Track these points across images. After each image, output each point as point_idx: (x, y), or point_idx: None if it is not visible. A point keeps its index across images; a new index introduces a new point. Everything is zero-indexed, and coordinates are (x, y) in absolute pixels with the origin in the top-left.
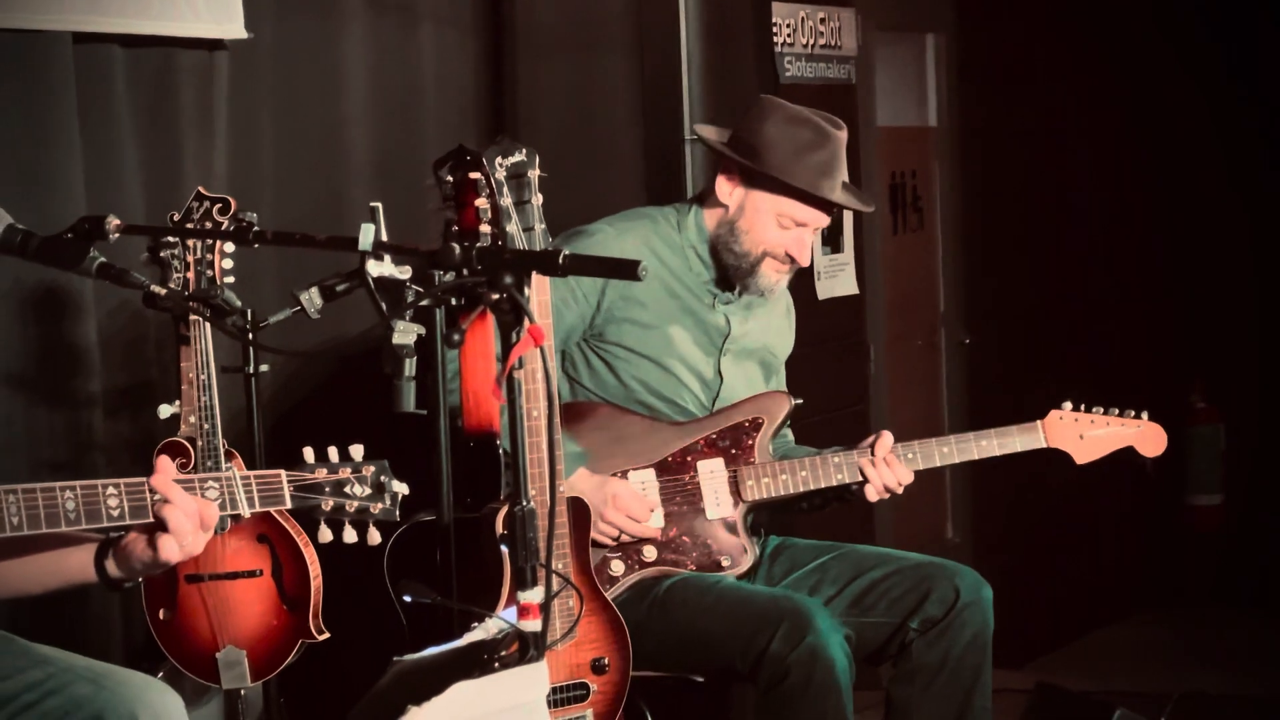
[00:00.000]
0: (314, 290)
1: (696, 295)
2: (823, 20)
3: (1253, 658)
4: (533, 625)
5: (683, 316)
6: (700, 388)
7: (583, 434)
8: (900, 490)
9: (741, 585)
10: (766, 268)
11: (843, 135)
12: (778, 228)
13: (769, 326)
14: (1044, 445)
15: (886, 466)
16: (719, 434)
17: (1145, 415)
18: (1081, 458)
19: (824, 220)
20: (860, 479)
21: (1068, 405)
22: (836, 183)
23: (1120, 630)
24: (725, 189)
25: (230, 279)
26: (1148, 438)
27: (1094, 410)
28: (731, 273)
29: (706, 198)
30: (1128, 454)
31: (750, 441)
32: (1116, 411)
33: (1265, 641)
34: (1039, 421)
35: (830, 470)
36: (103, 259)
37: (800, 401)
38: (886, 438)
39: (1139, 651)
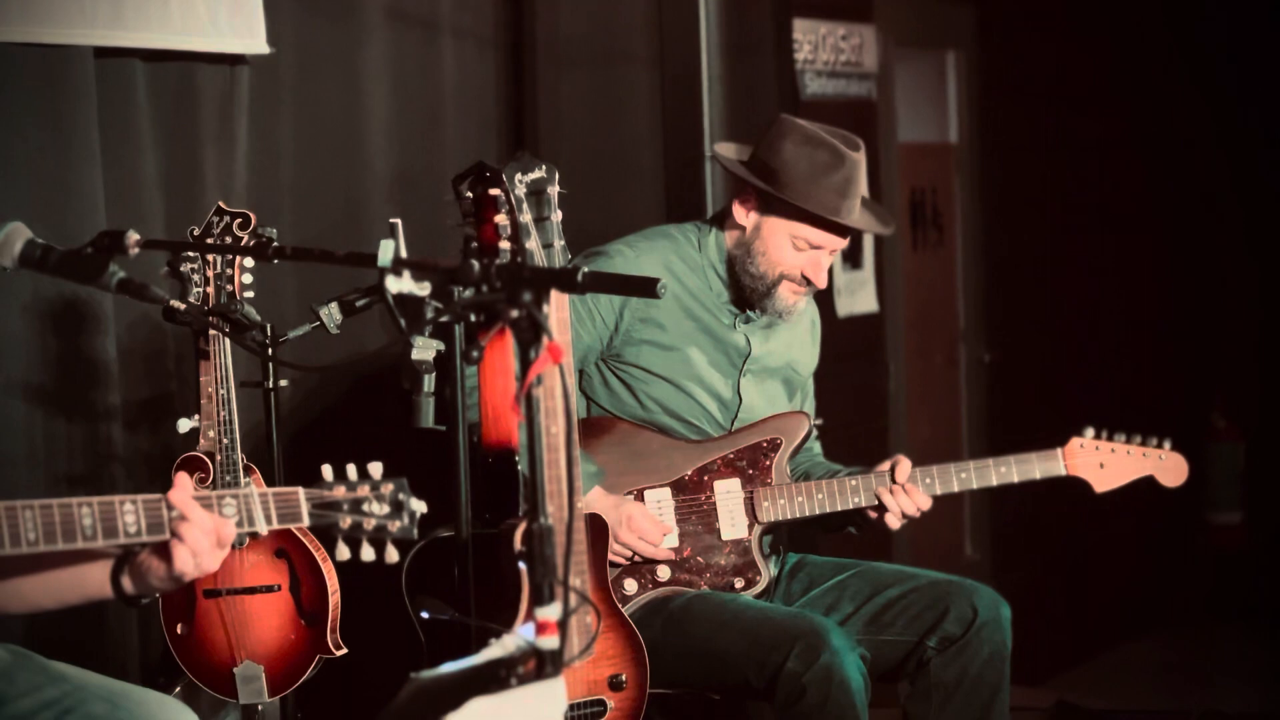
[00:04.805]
0: (333, 305)
1: (716, 315)
2: (844, 37)
3: (1273, 675)
4: (550, 642)
5: (701, 337)
6: (718, 408)
7: (599, 450)
8: (918, 516)
9: (756, 603)
10: (783, 290)
11: (860, 155)
12: (793, 250)
13: (792, 343)
14: (1064, 473)
15: (905, 494)
16: (736, 454)
17: (1168, 444)
18: (1101, 486)
19: (840, 243)
20: (877, 503)
21: (1089, 432)
22: (854, 204)
23: (1139, 648)
24: (741, 211)
25: (250, 294)
26: (1169, 468)
27: (1115, 438)
28: (749, 294)
29: (726, 217)
30: (1148, 482)
31: (768, 462)
32: (1139, 439)
33: None
34: (1059, 449)
35: (847, 494)
36: (123, 273)
37: (820, 422)
38: (905, 463)
39: (1158, 669)
